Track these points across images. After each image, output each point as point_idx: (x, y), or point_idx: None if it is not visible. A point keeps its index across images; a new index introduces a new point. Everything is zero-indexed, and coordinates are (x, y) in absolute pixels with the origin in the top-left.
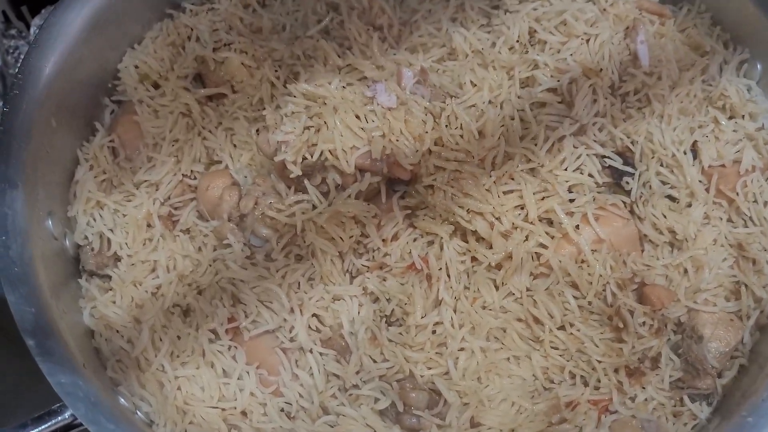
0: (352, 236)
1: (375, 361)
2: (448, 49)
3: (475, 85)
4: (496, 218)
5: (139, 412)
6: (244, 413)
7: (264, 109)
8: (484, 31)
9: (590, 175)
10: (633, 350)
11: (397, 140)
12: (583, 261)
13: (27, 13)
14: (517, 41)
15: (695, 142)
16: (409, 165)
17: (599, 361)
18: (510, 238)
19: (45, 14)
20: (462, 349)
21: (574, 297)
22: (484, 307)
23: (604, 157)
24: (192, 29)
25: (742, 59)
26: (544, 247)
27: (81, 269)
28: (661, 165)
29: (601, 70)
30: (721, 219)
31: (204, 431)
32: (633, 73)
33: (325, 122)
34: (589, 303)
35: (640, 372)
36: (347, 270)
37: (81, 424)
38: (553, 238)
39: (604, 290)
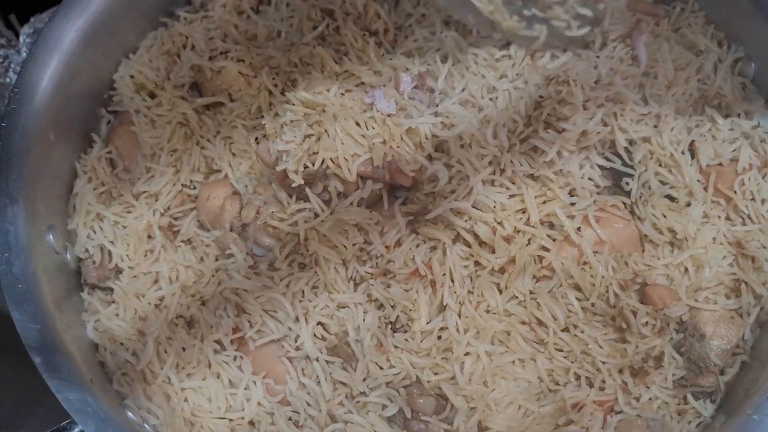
0: (355, 244)
1: (381, 368)
2: (443, 53)
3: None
4: (498, 222)
5: (146, 425)
6: (251, 423)
7: (262, 117)
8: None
9: (590, 179)
10: (636, 350)
11: (398, 147)
12: (585, 263)
13: (16, 21)
14: None
15: (692, 141)
16: (410, 171)
17: (603, 362)
18: (513, 242)
19: (34, 22)
20: (467, 354)
21: (577, 299)
22: (488, 311)
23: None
24: (187, 37)
25: (737, 57)
26: (547, 250)
27: (83, 282)
28: (660, 165)
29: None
30: (720, 217)
31: None
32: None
33: (325, 130)
34: (592, 304)
35: (644, 371)
36: (351, 277)
37: None
38: (555, 240)
39: (606, 291)
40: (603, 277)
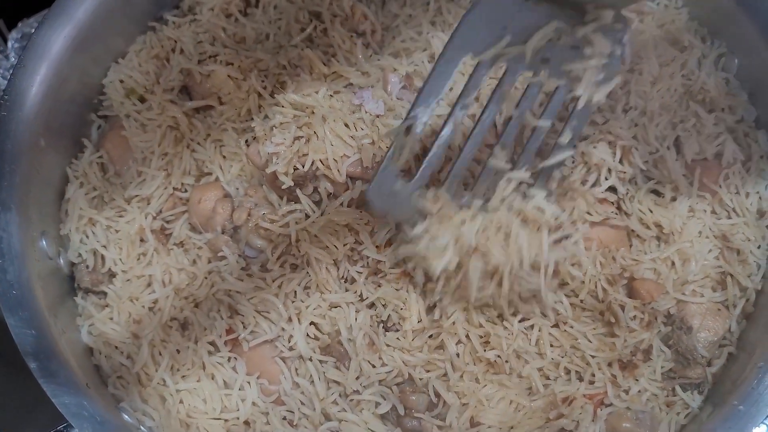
0: (345, 244)
1: (374, 366)
2: (429, 53)
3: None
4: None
5: (143, 428)
6: (246, 423)
7: (252, 119)
8: None
9: (583, 183)
10: (625, 344)
11: (387, 147)
12: (574, 263)
13: (3, 26)
14: None
15: (678, 136)
16: None
17: (593, 356)
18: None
19: (22, 27)
20: (458, 353)
21: (566, 295)
22: (478, 308)
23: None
24: (176, 41)
25: (720, 53)
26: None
27: (76, 287)
28: (645, 161)
29: None
30: (706, 211)
31: None
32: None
33: (314, 132)
34: (581, 300)
35: (633, 365)
36: (342, 277)
37: None
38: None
39: (595, 287)
40: (593, 274)
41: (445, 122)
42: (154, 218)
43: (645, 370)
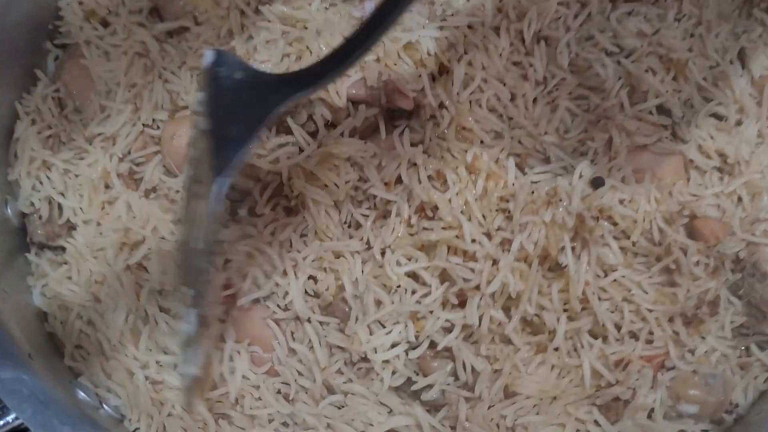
0: (348, 181)
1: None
2: None
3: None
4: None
5: (106, 406)
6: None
7: (234, 41)
8: None
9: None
10: (688, 294)
11: (395, 65)
12: (622, 201)
13: None
14: None
15: (742, 48)
16: (412, 92)
17: (650, 310)
18: None
19: None
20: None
21: (615, 238)
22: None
23: None
24: None
25: None
26: None
27: (29, 242)
28: (704, 78)
29: None
30: None
31: (186, 425)
32: None
33: (307, 47)
34: (633, 243)
35: (698, 319)
36: (345, 222)
37: None
38: None
39: (650, 227)
40: (646, 211)
41: None
42: (121, 160)
43: (712, 326)
